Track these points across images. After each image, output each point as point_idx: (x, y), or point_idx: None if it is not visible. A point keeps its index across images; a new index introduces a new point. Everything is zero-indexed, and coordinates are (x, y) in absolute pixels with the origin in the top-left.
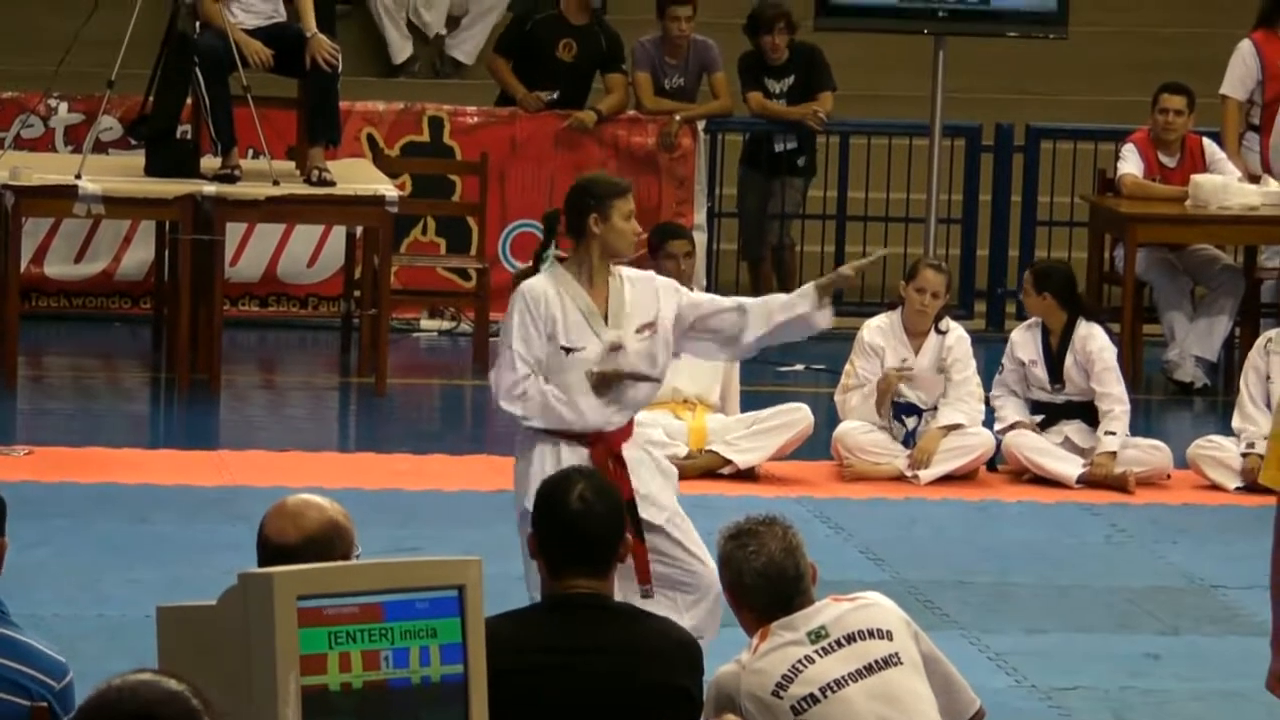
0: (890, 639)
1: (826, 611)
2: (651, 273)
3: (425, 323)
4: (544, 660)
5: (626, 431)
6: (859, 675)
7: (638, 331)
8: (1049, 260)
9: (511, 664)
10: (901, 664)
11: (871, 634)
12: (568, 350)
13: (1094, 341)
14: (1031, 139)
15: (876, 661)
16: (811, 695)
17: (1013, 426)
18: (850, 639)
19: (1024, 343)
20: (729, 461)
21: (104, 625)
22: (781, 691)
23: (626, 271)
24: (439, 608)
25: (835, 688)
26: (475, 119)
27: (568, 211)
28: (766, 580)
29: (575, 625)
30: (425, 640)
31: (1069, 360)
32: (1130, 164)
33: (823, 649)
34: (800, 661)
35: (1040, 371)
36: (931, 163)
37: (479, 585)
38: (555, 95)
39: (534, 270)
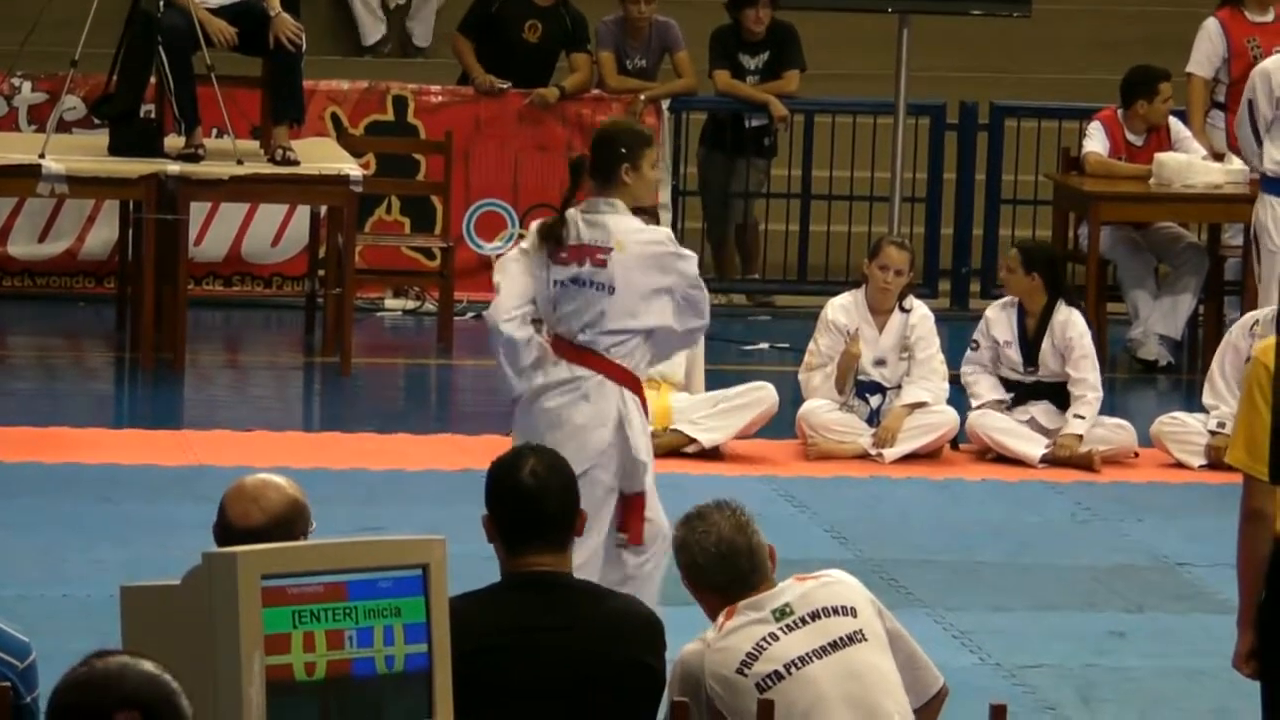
0: (854, 615)
1: (791, 590)
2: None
3: (390, 302)
4: (507, 640)
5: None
6: (823, 652)
7: None
8: (1035, 240)
9: (475, 644)
10: (866, 640)
11: (836, 611)
12: None
13: (1074, 328)
14: (996, 117)
15: (841, 638)
16: (776, 673)
17: (986, 405)
18: (814, 616)
19: (999, 321)
20: (693, 440)
21: (68, 605)
22: (746, 669)
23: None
24: (403, 587)
25: (799, 664)
26: (439, 98)
27: (597, 160)
28: (720, 558)
29: (537, 603)
30: (389, 619)
31: (1045, 344)
32: (1096, 142)
33: (786, 626)
34: (764, 639)
35: (1014, 353)
36: (895, 141)
37: (443, 565)
38: (508, 86)
39: (562, 219)
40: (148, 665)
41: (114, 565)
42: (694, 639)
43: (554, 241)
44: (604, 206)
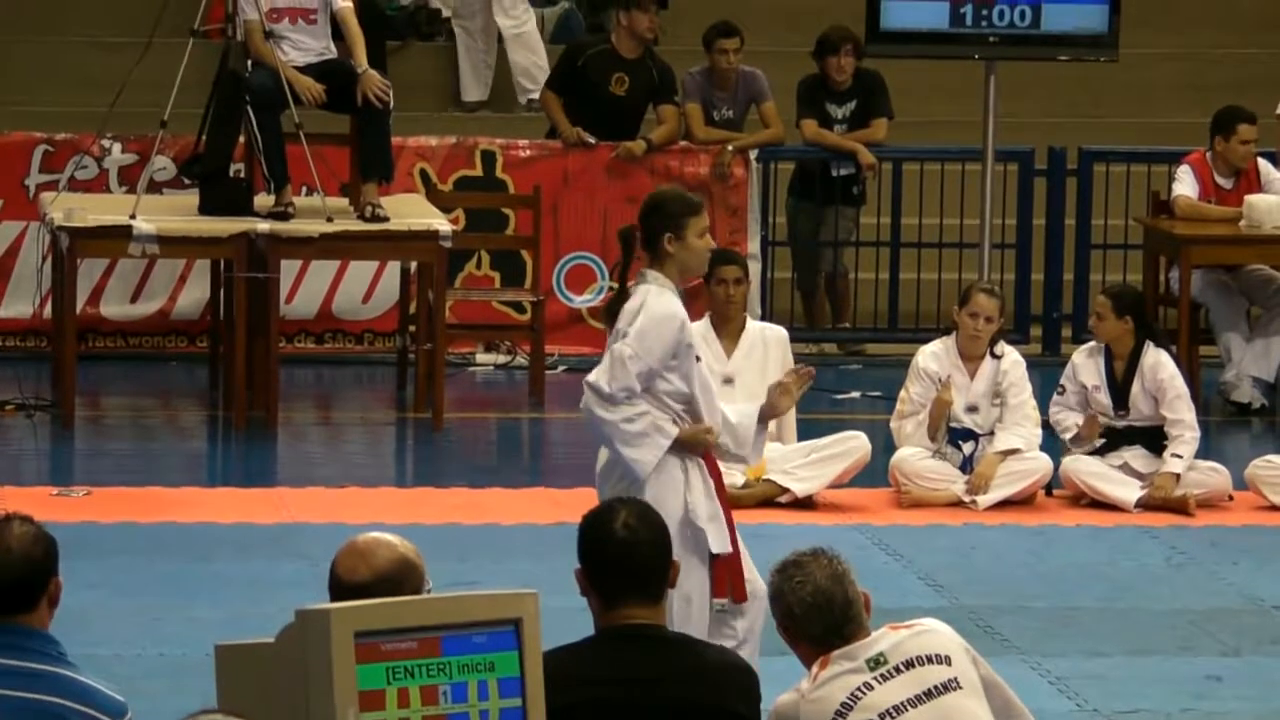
0: (949, 664)
1: (885, 639)
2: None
3: (481, 357)
4: (603, 693)
5: None
6: (918, 700)
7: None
8: (1122, 284)
9: (571, 698)
10: (961, 689)
11: (930, 659)
12: None
13: (1164, 369)
14: (1084, 162)
15: (936, 687)
16: None
17: (1077, 436)
18: (909, 665)
19: (1086, 367)
20: (787, 490)
21: (164, 664)
22: (840, 719)
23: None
24: (496, 642)
25: (895, 714)
26: (528, 152)
27: (643, 230)
28: (816, 609)
29: (633, 656)
30: (483, 674)
31: (1136, 387)
32: (1185, 185)
33: (881, 675)
34: (859, 689)
35: (1104, 397)
36: (984, 187)
37: (536, 618)
38: (595, 143)
39: (622, 291)
40: None
41: (210, 624)
42: (789, 690)
43: (611, 317)
44: (643, 278)
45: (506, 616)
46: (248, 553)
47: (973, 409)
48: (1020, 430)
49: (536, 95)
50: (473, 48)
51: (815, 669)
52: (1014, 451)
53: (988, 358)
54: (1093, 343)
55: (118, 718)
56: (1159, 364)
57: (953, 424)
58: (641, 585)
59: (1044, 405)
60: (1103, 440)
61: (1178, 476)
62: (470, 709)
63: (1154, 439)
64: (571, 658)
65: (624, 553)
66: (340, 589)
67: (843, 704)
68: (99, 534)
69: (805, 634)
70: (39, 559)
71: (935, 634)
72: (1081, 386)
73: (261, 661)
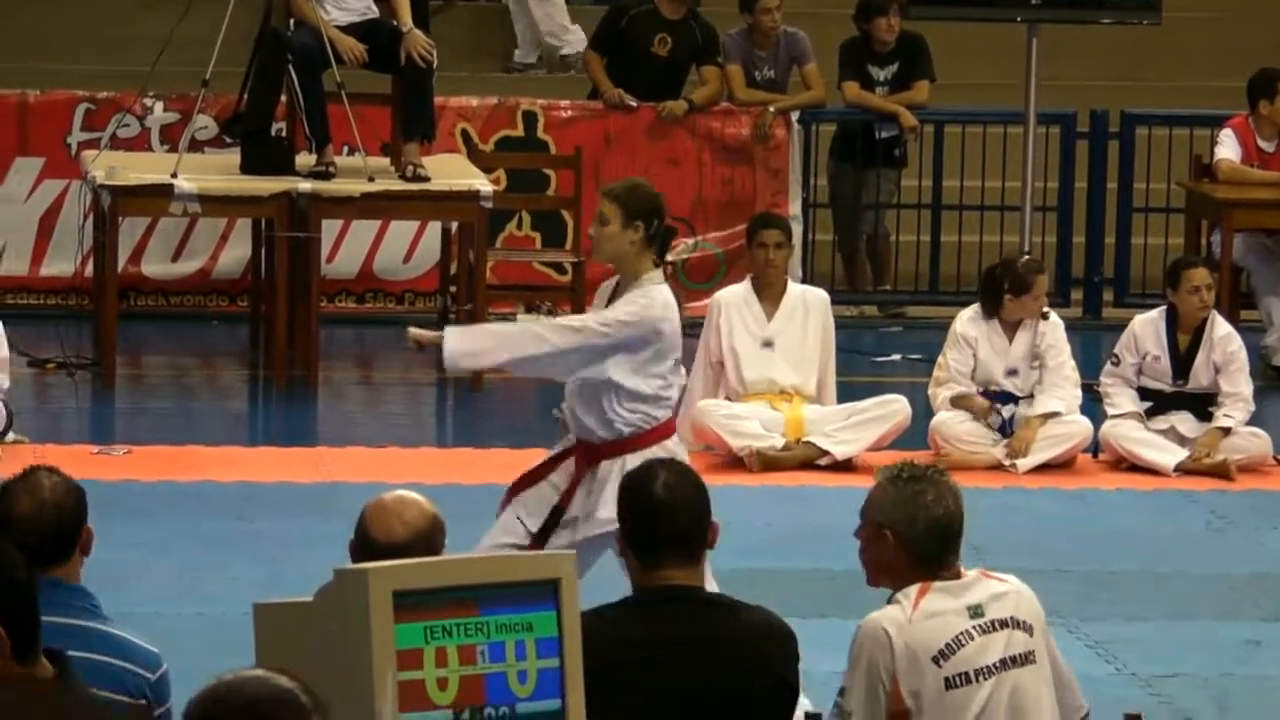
0: (1031, 634)
1: (981, 587)
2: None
3: (521, 317)
4: (641, 653)
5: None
6: (1004, 665)
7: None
8: (1193, 256)
9: (607, 658)
10: (1035, 663)
11: (1019, 625)
12: None
13: (1234, 341)
14: (1126, 125)
15: (1018, 656)
16: (965, 675)
17: (1124, 416)
18: (1003, 624)
19: (1147, 335)
20: (826, 453)
21: (203, 623)
22: (942, 660)
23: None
24: (535, 602)
25: (984, 675)
26: (569, 113)
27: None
28: (940, 533)
29: (671, 618)
30: (521, 634)
31: (1201, 357)
32: (1227, 149)
33: (980, 627)
34: (961, 636)
35: (1164, 365)
36: (1026, 150)
37: (574, 579)
38: (637, 105)
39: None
40: (279, 680)
41: (249, 583)
42: (881, 609)
43: None
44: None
45: (545, 577)
46: (287, 512)
47: (1012, 372)
48: (1059, 392)
49: (568, 51)
50: (519, 11)
51: (915, 595)
52: (1054, 415)
53: (1025, 322)
54: (1153, 312)
55: (153, 669)
56: (1229, 336)
57: (992, 387)
58: (681, 545)
59: (1086, 368)
60: (1150, 404)
61: (1226, 431)
62: (508, 668)
63: (1202, 407)
64: (610, 618)
65: (663, 512)
66: (376, 550)
67: (946, 645)
68: (139, 492)
69: (918, 551)
70: (71, 508)
71: (1024, 597)
72: (1140, 355)
73: (300, 620)
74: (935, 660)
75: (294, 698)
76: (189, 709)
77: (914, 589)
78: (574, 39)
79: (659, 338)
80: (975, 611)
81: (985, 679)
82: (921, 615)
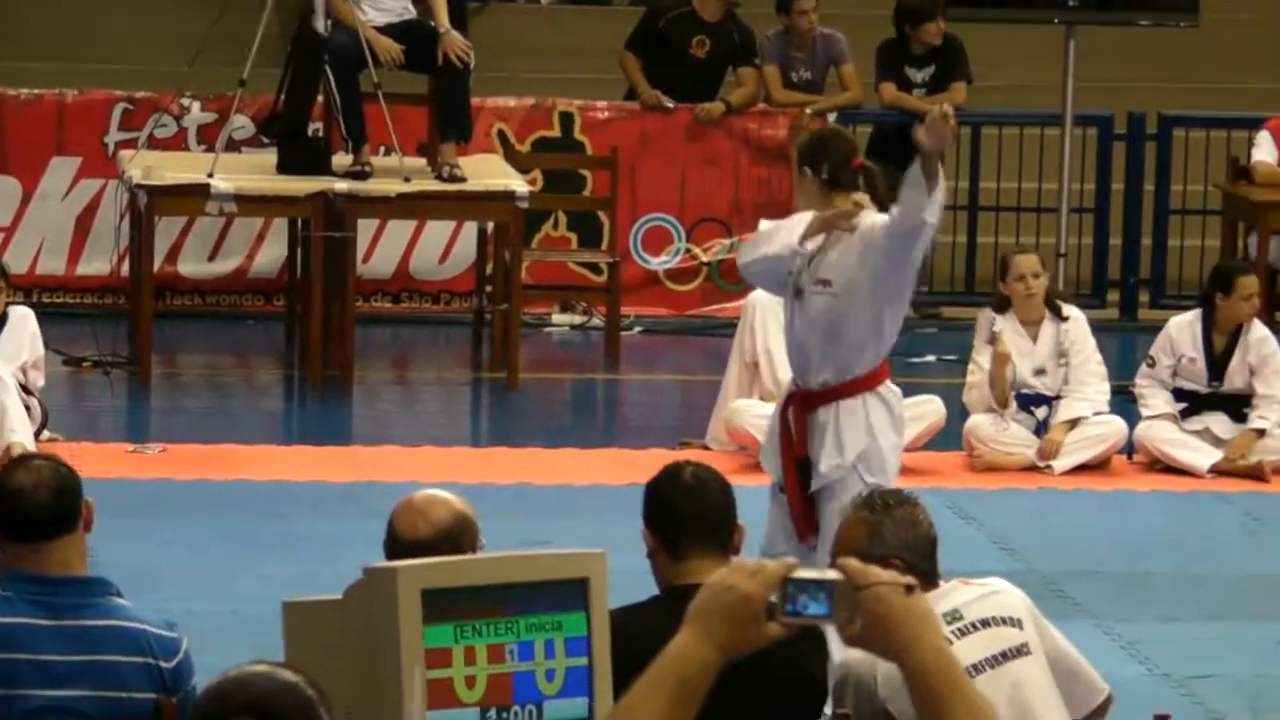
0: (1020, 627)
1: (957, 594)
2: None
3: (557, 317)
4: None
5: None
6: (994, 662)
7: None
8: (1243, 262)
9: (636, 656)
10: (1030, 654)
11: (1003, 621)
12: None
13: (1270, 344)
14: (1164, 127)
15: (1009, 650)
16: None
17: (1158, 418)
18: (985, 624)
19: (1183, 338)
20: None
21: (237, 621)
22: None
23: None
24: (564, 600)
25: (975, 672)
26: (606, 114)
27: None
28: (932, 552)
29: None
30: (550, 633)
31: (1236, 359)
32: (1264, 151)
33: (958, 630)
34: None
35: (1199, 367)
36: (1063, 152)
37: (603, 577)
38: (674, 107)
39: None
40: (284, 674)
41: (283, 581)
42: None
43: None
44: None
45: (574, 576)
46: (321, 510)
47: (1040, 371)
48: (1085, 391)
49: None
50: None
51: None
52: (1080, 420)
53: (1047, 320)
54: (1189, 314)
55: (170, 656)
56: (1265, 339)
57: (1023, 390)
58: (710, 532)
59: (1124, 370)
60: (1185, 406)
61: (1260, 433)
62: (536, 667)
63: (1237, 408)
64: (638, 617)
65: (692, 499)
66: (400, 546)
67: None
68: (174, 491)
69: (919, 575)
70: (67, 477)
71: (1007, 595)
72: (1176, 358)
73: (329, 618)
74: None
75: (299, 691)
76: (196, 704)
77: None
78: None
79: None
80: (952, 616)
81: (975, 675)
82: None
